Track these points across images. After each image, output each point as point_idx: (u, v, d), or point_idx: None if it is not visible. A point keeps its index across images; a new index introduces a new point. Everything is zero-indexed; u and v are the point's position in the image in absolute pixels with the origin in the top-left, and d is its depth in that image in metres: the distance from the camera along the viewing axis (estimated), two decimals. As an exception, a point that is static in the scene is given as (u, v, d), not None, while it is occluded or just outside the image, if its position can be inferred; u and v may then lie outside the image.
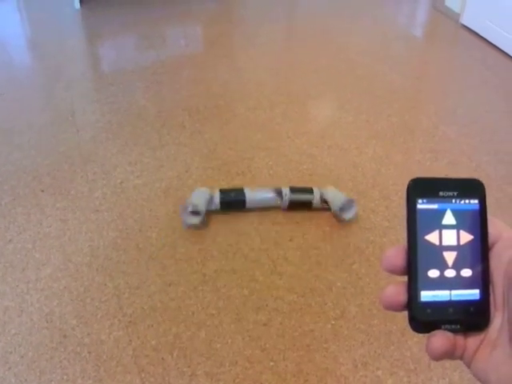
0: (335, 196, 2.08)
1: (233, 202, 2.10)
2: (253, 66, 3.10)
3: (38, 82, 2.99)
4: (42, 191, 2.22)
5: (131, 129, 2.57)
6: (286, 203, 2.08)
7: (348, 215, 2.06)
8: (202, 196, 2.07)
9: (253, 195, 2.10)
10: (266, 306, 1.78)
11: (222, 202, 2.07)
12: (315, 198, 2.08)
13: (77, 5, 3.77)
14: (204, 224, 2.05)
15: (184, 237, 2.02)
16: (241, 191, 2.09)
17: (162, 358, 1.63)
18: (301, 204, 2.10)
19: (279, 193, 2.09)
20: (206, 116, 2.65)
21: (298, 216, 2.10)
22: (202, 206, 2.03)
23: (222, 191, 2.10)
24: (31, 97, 2.84)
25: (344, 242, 2.00)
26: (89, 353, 1.64)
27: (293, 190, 2.09)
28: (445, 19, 3.66)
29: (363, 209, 2.14)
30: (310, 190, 2.10)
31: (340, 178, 2.28)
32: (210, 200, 2.07)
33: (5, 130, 2.57)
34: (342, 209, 2.05)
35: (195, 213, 2.01)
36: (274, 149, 2.44)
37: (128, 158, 2.39)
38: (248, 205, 2.09)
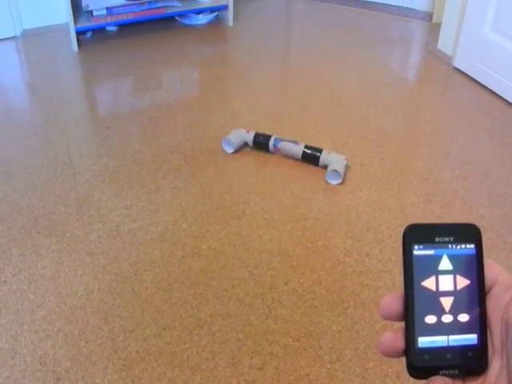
0: (331, 162, 2.56)
1: (261, 143, 2.73)
2: (247, 110, 3.15)
3: (35, 124, 3.02)
4: (38, 233, 2.23)
5: (127, 172, 2.59)
6: (300, 155, 2.66)
7: (331, 181, 2.53)
8: (238, 134, 2.75)
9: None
10: (261, 350, 1.78)
11: (254, 142, 2.74)
12: (321, 158, 2.60)
13: (75, 47, 3.83)
14: (235, 154, 2.73)
15: (179, 281, 2.02)
16: (269, 137, 2.73)
17: (157, 403, 1.62)
18: (311, 158, 2.64)
19: (297, 144, 2.68)
20: (202, 160, 2.68)
21: (294, 261, 2.11)
22: (235, 141, 2.72)
23: (256, 134, 2.74)
24: (28, 139, 2.86)
25: (339, 285, 2.01)
26: (83, 397, 1.63)
27: (306, 146, 2.66)
28: (438, 62, 3.73)
29: (358, 252, 2.15)
30: (320, 151, 2.63)
31: (334, 221, 2.30)
32: (247, 137, 2.74)
33: (1, 171, 2.58)
34: (330, 174, 2.52)
35: (230, 145, 2.72)
36: (269, 193, 2.46)
37: (124, 201, 2.40)
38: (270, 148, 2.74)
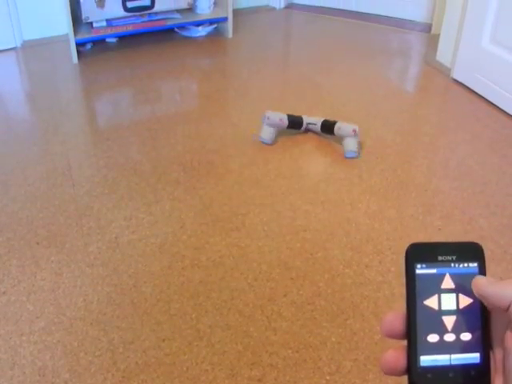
0: (347, 142, 2.84)
1: (295, 122, 3.00)
2: (247, 122, 3.15)
3: (34, 136, 3.03)
4: (37, 244, 2.23)
5: (127, 184, 2.59)
6: (319, 128, 2.98)
7: (347, 155, 2.81)
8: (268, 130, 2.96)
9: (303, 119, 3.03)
10: (261, 361, 1.77)
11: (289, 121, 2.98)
12: (335, 127, 2.89)
13: (74, 59, 3.85)
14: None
15: (178, 292, 2.02)
16: (300, 117, 3.02)
17: (156, 415, 1.61)
18: (327, 129, 2.96)
19: (314, 121, 3.01)
20: (201, 172, 2.68)
21: (293, 272, 2.11)
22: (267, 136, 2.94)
23: (288, 115, 2.99)
24: (28, 150, 2.87)
25: (338, 297, 2.01)
26: (82, 409, 1.62)
27: (324, 121, 2.97)
28: (436, 73, 3.74)
29: (357, 264, 2.15)
30: (334, 123, 2.90)
31: (334, 233, 2.30)
32: (282, 120, 2.96)
33: (0, 182, 2.58)
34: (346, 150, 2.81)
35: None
36: (268, 205, 2.46)
37: (123, 212, 2.40)
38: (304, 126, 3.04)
